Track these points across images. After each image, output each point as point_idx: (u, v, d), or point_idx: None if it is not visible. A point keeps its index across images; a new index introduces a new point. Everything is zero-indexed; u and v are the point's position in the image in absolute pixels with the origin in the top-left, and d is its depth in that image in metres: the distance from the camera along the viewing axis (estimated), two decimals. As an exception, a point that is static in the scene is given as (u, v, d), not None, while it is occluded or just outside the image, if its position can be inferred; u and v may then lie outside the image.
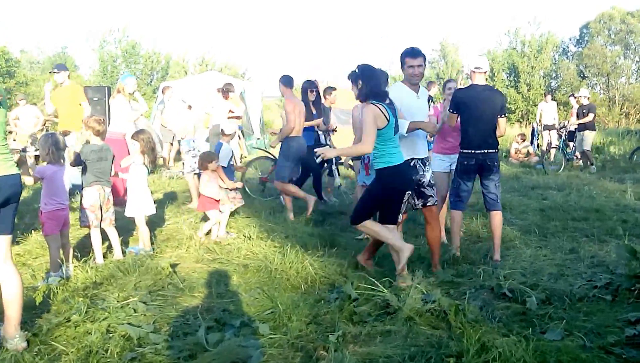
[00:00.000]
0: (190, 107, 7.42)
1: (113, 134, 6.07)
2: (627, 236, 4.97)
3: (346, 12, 63.03)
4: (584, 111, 10.98)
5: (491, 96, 4.56)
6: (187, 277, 4.10)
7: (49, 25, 54.95)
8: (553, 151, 12.10)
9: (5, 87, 22.12)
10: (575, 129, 11.49)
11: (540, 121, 13.18)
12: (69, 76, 7.20)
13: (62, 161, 4.17)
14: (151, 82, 27.42)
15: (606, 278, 3.84)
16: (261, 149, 10.84)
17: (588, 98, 11.22)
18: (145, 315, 3.32)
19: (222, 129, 5.94)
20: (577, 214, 6.23)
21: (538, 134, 13.71)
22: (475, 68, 4.54)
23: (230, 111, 9.19)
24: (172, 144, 11.31)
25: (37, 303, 3.39)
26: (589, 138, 10.88)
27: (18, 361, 2.67)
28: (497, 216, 4.63)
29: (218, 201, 5.32)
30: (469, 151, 4.53)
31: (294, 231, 5.25)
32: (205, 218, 5.50)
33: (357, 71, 3.81)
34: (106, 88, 10.86)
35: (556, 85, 26.72)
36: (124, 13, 55.49)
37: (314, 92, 6.76)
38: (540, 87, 25.31)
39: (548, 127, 12.70)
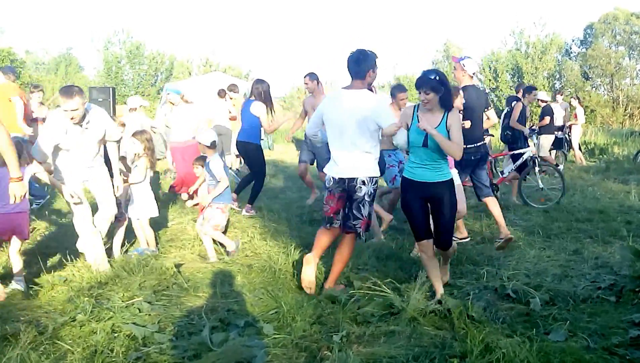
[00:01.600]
0: (186, 100, 7.34)
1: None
2: (632, 237, 4.95)
3: (349, 12, 63.02)
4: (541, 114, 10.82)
5: (480, 95, 5.28)
6: (192, 277, 4.12)
7: (54, 26, 55.17)
8: (553, 153, 12.08)
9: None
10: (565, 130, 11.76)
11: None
12: None
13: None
14: (155, 83, 27.49)
15: (610, 279, 3.83)
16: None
17: (546, 101, 11.10)
18: (150, 314, 3.33)
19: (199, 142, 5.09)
20: (581, 216, 6.22)
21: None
22: (472, 73, 5.30)
23: (229, 111, 9.21)
24: None
25: (42, 302, 3.41)
26: (545, 143, 10.71)
27: (24, 360, 2.68)
28: (492, 202, 5.17)
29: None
30: (474, 145, 5.05)
31: (297, 232, 5.26)
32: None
33: (437, 77, 3.48)
34: (111, 89, 10.92)
35: (560, 86, 26.63)
36: (128, 13, 55.69)
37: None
38: (544, 88, 25.25)
39: (556, 128, 12.59)
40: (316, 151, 6.57)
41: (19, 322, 3.14)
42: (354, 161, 3.63)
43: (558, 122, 12.58)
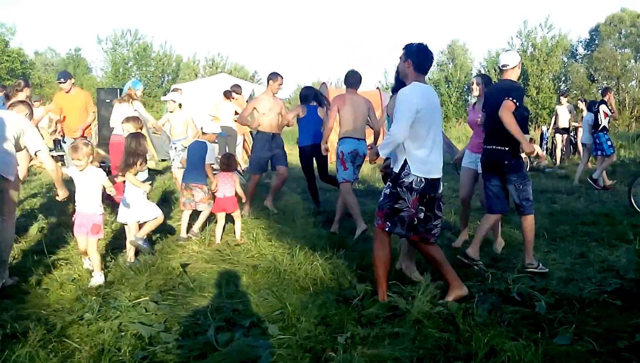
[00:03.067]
0: (180, 105, 7.37)
1: (118, 137, 6.13)
2: (638, 241, 4.93)
3: (353, 13, 63.03)
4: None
5: (499, 90, 4.34)
6: (197, 277, 4.14)
7: (62, 28, 55.51)
8: (559, 154, 12.06)
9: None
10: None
11: (553, 124, 12.96)
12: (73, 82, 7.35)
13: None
14: (162, 84, 27.64)
15: (616, 283, 3.82)
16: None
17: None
18: (156, 314, 3.36)
19: (201, 128, 5.92)
20: (586, 219, 6.19)
21: (547, 138, 13.60)
22: (502, 66, 4.42)
23: (235, 112, 9.26)
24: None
25: (51, 301, 3.45)
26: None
27: (33, 358, 2.71)
28: (524, 221, 4.41)
29: (236, 202, 5.36)
30: (484, 147, 4.49)
31: (302, 233, 5.28)
32: (211, 219, 5.54)
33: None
34: (118, 90, 10.99)
35: (565, 88, 26.53)
36: (136, 15, 55.96)
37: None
38: (549, 90, 25.16)
39: (560, 131, 12.55)
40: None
41: (28, 320, 3.17)
42: (440, 159, 3.60)
43: (564, 124, 12.55)
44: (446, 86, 27.99)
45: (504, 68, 4.38)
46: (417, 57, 3.53)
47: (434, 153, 3.53)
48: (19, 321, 3.15)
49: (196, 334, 3.08)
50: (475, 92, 5.20)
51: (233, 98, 9.56)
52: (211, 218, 5.54)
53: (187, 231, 5.32)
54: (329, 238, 5.16)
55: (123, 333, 3.03)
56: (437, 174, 3.55)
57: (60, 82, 7.38)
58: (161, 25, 58.94)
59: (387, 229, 3.54)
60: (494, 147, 4.36)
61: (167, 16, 59.36)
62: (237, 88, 9.90)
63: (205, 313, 3.33)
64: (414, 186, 3.46)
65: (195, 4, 59.46)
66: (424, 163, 3.47)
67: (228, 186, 5.32)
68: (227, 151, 9.02)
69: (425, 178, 3.47)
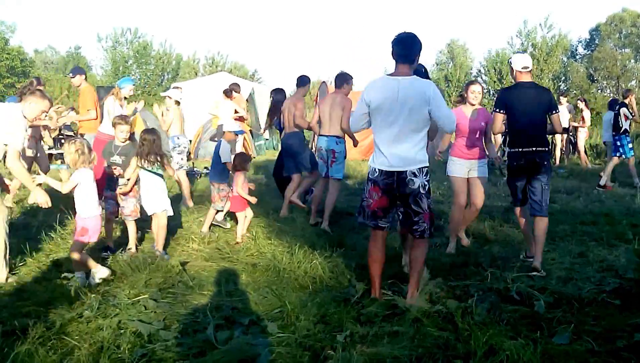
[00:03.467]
0: (177, 103, 7.34)
1: (104, 135, 6.08)
2: (637, 241, 4.94)
3: (354, 12, 62.99)
4: None
5: (538, 94, 4.44)
6: (197, 275, 4.15)
7: (62, 26, 55.44)
8: (558, 154, 12.07)
9: (20, 87, 22.41)
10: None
11: None
12: (85, 78, 7.28)
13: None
14: (162, 82, 27.63)
15: (615, 283, 3.83)
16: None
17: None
18: (155, 312, 3.36)
19: (221, 126, 6.05)
20: (586, 218, 6.20)
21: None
22: (522, 68, 4.43)
23: (235, 111, 9.25)
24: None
25: (50, 298, 3.45)
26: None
27: (32, 355, 2.71)
28: (540, 222, 4.36)
29: (248, 201, 5.35)
30: (518, 150, 4.39)
31: (302, 231, 5.28)
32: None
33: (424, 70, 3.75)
34: (118, 88, 10.98)
35: (565, 88, 26.54)
36: (136, 13, 55.89)
37: None
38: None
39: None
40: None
41: (28, 317, 3.18)
42: (404, 153, 3.41)
43: (563, 124, 12.55)
44: (446, 85, 27.98)
45: (524, 70, 4.44)
46: (393, 48, 3.46)
47: (396, 146, 3.40)
48: (19, 318, 3.16)
49: (195, 332, 3.08)
50: (477, 100, 5.08)
51: (232, 97, 9.56)
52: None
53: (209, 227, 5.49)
54: (328, 237, 5.16)
55: (122, 331, 3.03)
56: (397, 167, 3.40)
57: (70, 77, 7.34)
58: (161, 23, 58.94)
59: (357, 220, 3.69)
60: (534, 149, 4.34)
61: (167, 15, 59.34)
62: (236, 87, 9.91)
63: (204, 311, 3.33)
64: (369, 175, 3.54)
65: (196, 3, 59.44)
66: (380, 155, 3.46)
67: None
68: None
69: (379, 169, 3.44)
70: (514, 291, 3.62)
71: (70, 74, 7.33)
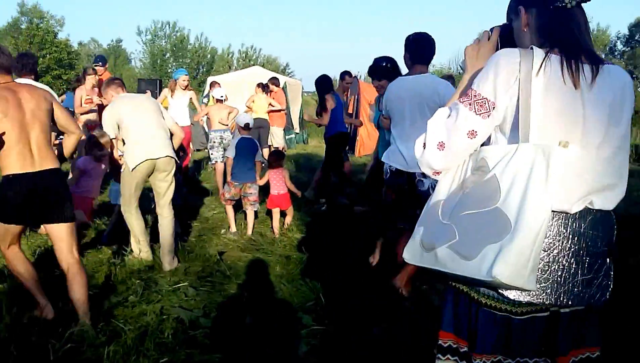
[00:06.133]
0: (217, 100, 7.51)
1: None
2: None
3: (352, 12, 62.15)
4: None
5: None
6: (233, 265, 4.29)
7: (105, 19, 56.94)
8: None
9: (67, 78, 23.36)
10: None
11: None
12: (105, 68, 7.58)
13: None
14: (197, 75, 28.12)
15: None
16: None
17: None
18: (195, 299, 3.51)
19: (236, 122, 5.78)
20: (623, 221, 6.01)
21: None
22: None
23: (270, 105, 9.37)
24: None
25: (99, 282, 3.66)
26: None
27: (82, 335, 2.89)
28: None
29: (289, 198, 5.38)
30: None
31: (334, 225, 5.36)
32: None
33: (388, 65, 3.91)
34: (157, 81, 11.27)
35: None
36: (175, 6, 56.83)
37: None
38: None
39: None
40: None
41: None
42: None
43: None
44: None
45: None
46: (414, 47, 3.47)
47: (405, 145, 3.40)
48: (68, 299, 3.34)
49: (233, 320, 3.21)
50: None
51: (272, 91, 9.63)
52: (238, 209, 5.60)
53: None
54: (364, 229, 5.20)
55: (165, 317, 3.18)
56: (407, 167, 3.40)
57: (97, 66, 7.64)
58: (198, 16, 59.79)
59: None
60: None
61: (205, 8, 60.14)
62: (275, 80, 9.99)
63: (241, 301, 3.46)
64: (383, 174, 3.64)
65: (230, -4, 59.91)
66: (392, 152, 3.55)
67: (280, 183, 5.29)
68: (259, 144, 9.13)
69: (389, 166, 3.55)
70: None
71: (100, 63, 7.59)
